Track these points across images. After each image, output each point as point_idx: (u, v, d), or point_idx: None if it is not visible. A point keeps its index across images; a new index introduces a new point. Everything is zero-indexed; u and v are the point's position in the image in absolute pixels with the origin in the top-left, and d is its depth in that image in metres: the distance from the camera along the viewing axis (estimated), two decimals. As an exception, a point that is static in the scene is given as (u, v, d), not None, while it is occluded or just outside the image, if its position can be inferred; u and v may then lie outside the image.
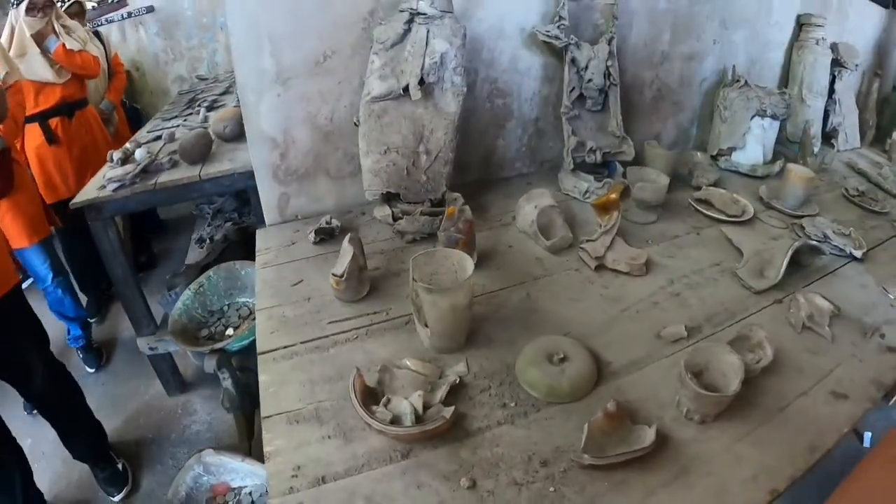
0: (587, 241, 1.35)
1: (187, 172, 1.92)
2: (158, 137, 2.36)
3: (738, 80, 1.88)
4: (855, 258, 1.42)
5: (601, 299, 1.23)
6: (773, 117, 1.81)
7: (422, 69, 1.29)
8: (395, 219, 1.39)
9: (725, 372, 0.93)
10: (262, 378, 1.00)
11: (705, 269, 1.34)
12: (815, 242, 1.36)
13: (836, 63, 2.39)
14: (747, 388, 0.92)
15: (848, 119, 2.45)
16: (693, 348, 0.99)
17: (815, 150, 2.07)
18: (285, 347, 1.07)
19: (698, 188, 1.68)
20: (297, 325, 1.13)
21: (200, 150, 1.98)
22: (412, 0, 1.29)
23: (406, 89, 1.30)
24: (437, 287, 0.99)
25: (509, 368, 1.01)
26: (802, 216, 1.60)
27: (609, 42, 1.57)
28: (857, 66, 2.44)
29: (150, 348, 2.06)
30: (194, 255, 2.51)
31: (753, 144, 1.86)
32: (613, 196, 1.34)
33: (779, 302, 1.24)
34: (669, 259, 1.37)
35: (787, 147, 2.16)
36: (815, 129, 2.23)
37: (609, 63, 1.57)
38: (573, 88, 1.59)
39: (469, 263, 1.02)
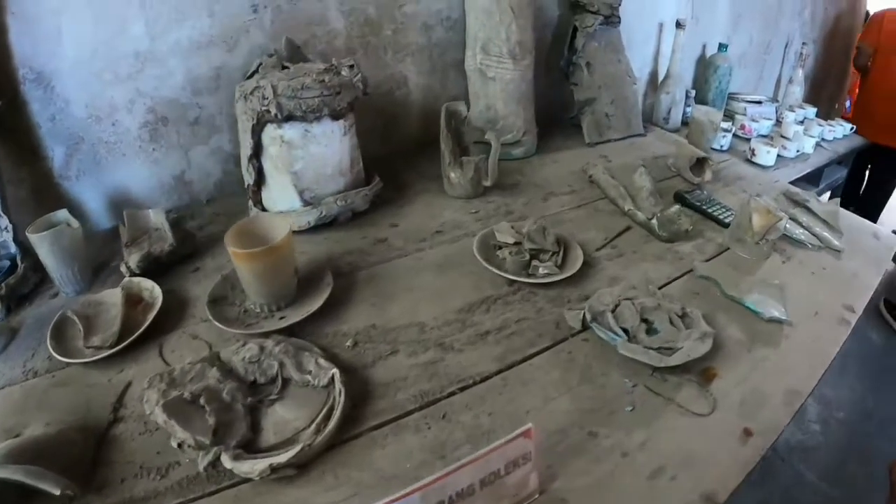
0: None
1: None
2: None
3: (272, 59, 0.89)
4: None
5: None
6: (305, 118, 0.80)
7: None
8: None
9: None
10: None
11: None
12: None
13: (577, 6, 1.46)
14: None
15: (607, 94, 1.49)
16: None
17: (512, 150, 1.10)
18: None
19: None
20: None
21: None
22: None
23: None
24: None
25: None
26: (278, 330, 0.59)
27: None
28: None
29: None
30: None
31: (276, 176, 0.85)
32: None
33: None
34: None
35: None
36: (511, 117, 1.26)
37: None
38: None
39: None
